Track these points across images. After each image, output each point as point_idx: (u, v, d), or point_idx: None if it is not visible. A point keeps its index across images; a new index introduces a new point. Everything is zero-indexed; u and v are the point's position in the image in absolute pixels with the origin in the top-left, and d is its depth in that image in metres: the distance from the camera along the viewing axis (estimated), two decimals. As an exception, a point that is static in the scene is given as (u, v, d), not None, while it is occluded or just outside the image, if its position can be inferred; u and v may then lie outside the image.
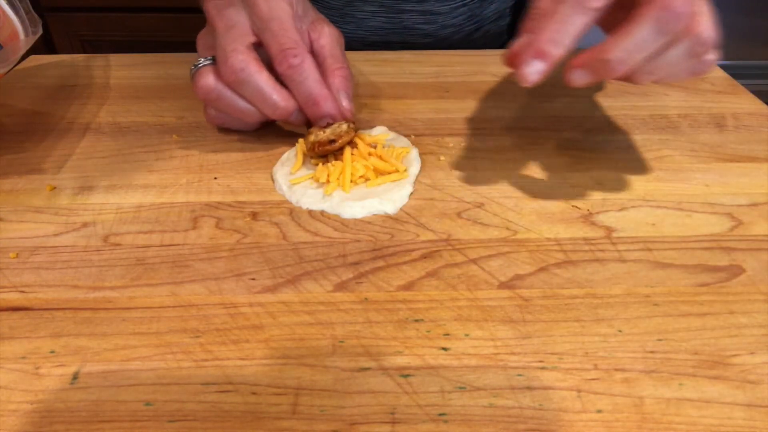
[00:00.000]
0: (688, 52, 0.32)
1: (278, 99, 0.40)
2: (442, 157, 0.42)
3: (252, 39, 0.40)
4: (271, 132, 0.46)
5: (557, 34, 0.31)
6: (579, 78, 0.33)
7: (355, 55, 0.58)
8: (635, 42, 0.31)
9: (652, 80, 0.34)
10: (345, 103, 0.41)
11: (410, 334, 0.29)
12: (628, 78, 0.33)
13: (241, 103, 0.41)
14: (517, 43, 0.33)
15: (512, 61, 0.33)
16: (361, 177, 0.39)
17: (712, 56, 0.33)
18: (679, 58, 0.32)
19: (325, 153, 0.40)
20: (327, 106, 0.40)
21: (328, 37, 0.43)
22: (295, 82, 0.40)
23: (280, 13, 0.40)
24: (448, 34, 0.66)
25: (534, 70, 0.32)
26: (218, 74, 0.40)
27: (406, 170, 0.40)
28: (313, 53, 0.42)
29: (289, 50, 0.39)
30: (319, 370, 0.28)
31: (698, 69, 0.33)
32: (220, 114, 0.43)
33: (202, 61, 0.41)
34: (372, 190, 0.38)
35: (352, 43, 0.66)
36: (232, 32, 0.40)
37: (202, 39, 0.44)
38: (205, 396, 0.26)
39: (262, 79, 0.39)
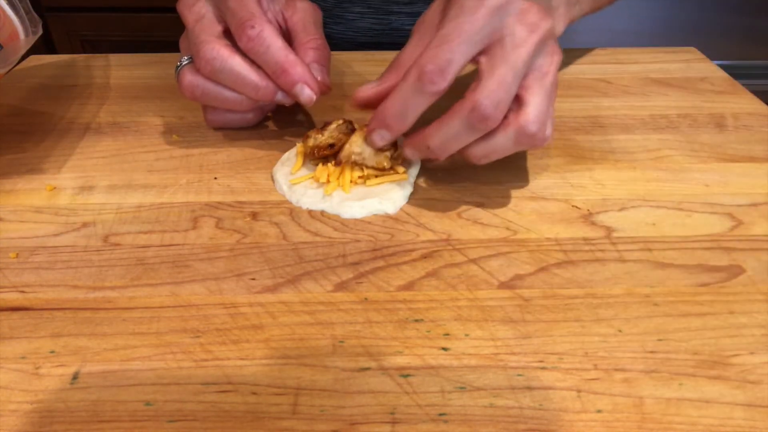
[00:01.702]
0: (513, 141, 0.34)
1: (256, 78, 0.39)
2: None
3: (220, 27, 0.40)
4: (272, 132, 0.46)
5: (400, 111, 0.34)
6: (410, 155, 0.37)
7: (355, 55, 0.58)
8: (450, 134, 0.34)
9: (485, 162, 0.36)
10: (319, 75, 0.40)
11: (410, 334, 0.29)
12: (464, 159, 0.36)
13: (227, 93, 0.40)
14: (367, 89, 0.37)
15: (357, 106, 0.38)
16: (360, 177, 0.39)
17: (546, 133, 0.35)
18: (505, 145, 0.35)
19: (325, 156, 0.40)
20: (296, 72, 0.38)
21: (300, 12, 0.42)
22: (258, 54, 0.38)
23: None
24: None
25: (380, 138, 0.36)
26: (196, 71, 0.40)
27: (405, 171, 0.40)
28: (288, 31, 0.41)
29: (246, 22, 0.38)
30: (319, 370, 0.28)
31: (530, 147, 0.35)
32: (217, 115, 0.43)
33: (184, 61, 0.41)
34: (372, 190, 0.38)
35: (342, 44, 0.66)
36: (201, 24, 0.40)
37: (183, 41, 0.43)
38: (205, 396, 0.26)
39: (236, 63, 0.38)
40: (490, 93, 0.32)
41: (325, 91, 0.41)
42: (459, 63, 0.33)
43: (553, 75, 0.35)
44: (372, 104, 0.37)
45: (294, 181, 0.39)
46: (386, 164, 0.39)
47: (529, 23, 0.33)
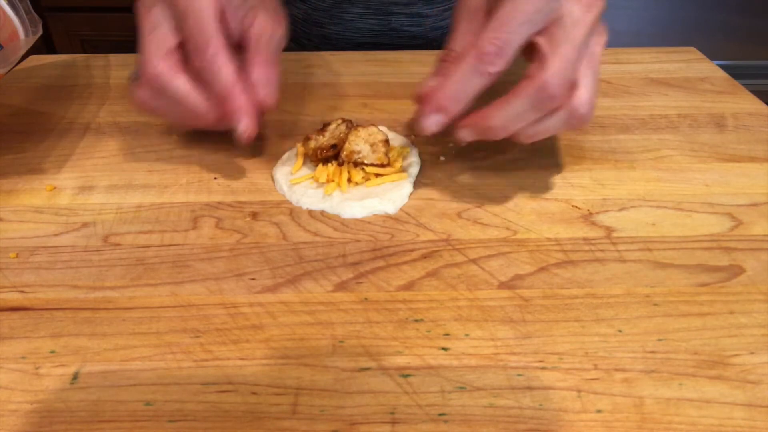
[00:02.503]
0: (564, 122, 0.35)
1: (197, 101, 0.37)
2: (442, 157, 0.42)
3: (173, 41, 0.38)
4: (272, 132, 0.46)
5: (457, 93, 0.34)
6: (466, 136, 0.36)
7: (355, 55, 0.58)
8: (514, 113, 0.34)
9: (532, 140, 0.36)
10: (263, 92, 0.38)
11: (410, 334, 0.29)
12: (511, 138, 0.36)
13: (177, 110, 0.38)
14: (426, 87, 0.36)
15: (420, 102, 0.36)
16: (363, 177, 0.39)
17: (588, 116, 0.35)
18: (556, 125, 0.35)
19: (327, 158, 0.40)
20: (236, 101, 0.36)
21: (257, 26, 0.40)
22: (207, 81, 0.37)
23: (198, 6, 0.36)
24: (437, 36, 0.66)
25: (433, 122, 0.35)
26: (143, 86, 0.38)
27: (402, 167, 0.40)
28: (245, 43, 0.40)
29: (202, 47, 0.36)
30: (319, 370, 0.28)
31: (576, 127, 0.36)
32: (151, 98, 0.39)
33: (136, 73, 0.39)
34: (372, 189, 0.38)
35: (340, 45, 0.66)
36: (153, 35, 0.38)
37: (147, 13, 0.40)
38: (205, 396, 0.26)
39: (179, 84, 0.37)
40: (557, 72, 0.32)
41: (266, 109, 0.38)
42: (518, 43, 0.33)
43: (599, 54, 0.36)
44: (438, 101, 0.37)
45: (294, 181, 0.39)
46: (385, 160, 0.39)
47: (585, 2, 0.33)
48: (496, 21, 0.33)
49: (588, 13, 0.34)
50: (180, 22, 0.37)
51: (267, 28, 0.40)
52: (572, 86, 0.34)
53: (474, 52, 0.33)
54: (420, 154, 0.42)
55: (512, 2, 0.33)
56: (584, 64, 0.34)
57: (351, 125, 0.41)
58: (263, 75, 0.39)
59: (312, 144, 0.40)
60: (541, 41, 0.33)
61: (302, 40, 0.68)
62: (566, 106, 0.34)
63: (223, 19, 0.38)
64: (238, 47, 0.39)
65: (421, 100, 0.37)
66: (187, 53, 0.37)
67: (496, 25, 0.33)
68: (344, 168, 0.39)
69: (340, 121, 0.40)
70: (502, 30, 0.33)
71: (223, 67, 0.37)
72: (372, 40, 0.66)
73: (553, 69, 0.33)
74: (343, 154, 0.39)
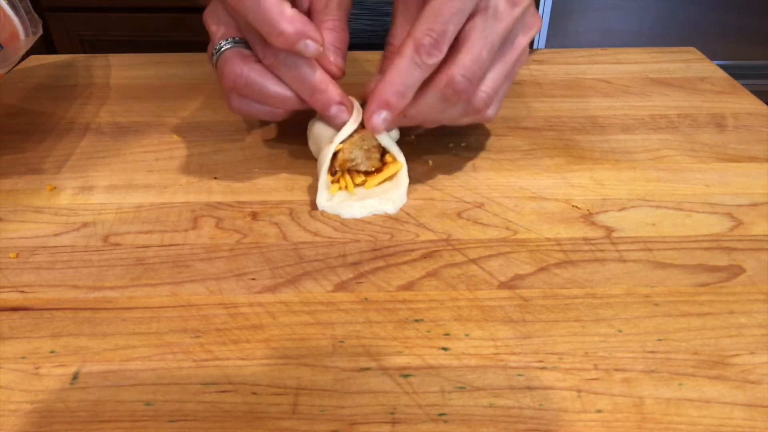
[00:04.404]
0: (462, 112, 0.37)
1: (286, 97, 0.37)
2: (430, 162, 0.42)
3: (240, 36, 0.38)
4: (271, 132, 0.46)
5: (399, 87, 0.34)
6: (380, 125, 0.36)
7: (355, 55, 0.58)
8: (426, 104, 0.35)
9: (435, 126, 0.39)
10: (332, 57, 0.38)
11: (410, 334, 0.29)
12: (418, 124, 0.38)
13: (272, 89, 0.37)
14: (373, 82, 0.37)
15: (366, 100, 0.37)
16: (362, 182, 0.39)
17: (490, 112, 0.38)
18: (453, 114, 0.37)
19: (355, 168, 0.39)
20: (325, 96, 0.37)
21: None
22: (288, 75, 0.37)
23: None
24: None
25: (381, 119, 0.36)
26: (245, 58, 0.37)
27: (395, 160, 0.39)
28: (310, 8, 0.40)
29: (274, 38, 0.34)
30: (319, 370, 0.28)
31: (476, 120, 0.38)
32: (244, 103, 0.39)
33: (224, 44, 0.37)
34: (372, 189, 0.38)
35: None
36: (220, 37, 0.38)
37: (212, 16, 0.39)
38: (205, 396, 0.26)
39: (269, 84, 0.37)
40: (466, 69, 0.33)
41: (338, 75, 0.39)
42: (453, 33, 0.33)
43: (522, 49, 0.36)
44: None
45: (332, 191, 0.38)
46: (379, 164, 0.39)
47: None
48: (430, 11, 0.33)
49: (515, 8, 0.34)
50: (241, 17, 0.36)
51: None
52: (478, 80, 0.35)
53: (411, 45, 0.33)
54: (419, 154, 0.42)
55: None
56: (498, 58, 0.35)
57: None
58: (332, 42, 0.38)
59: (342, 155, 0.38)
60: (464, 28, 0.34)
61: None
62: (464, 101, 0.35)
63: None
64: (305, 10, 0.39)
65: (367, 98, 0.37)
66: (255, 44, 0.37)
67: (430, 15, 0.33)
68: (342, 176, 0.38)
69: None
70: (437, 20, 0.33)
71: (304, 63, 0.36)
72: (367, 41, 0.66)
73: (462, 65, 0.33)
74: (336, 164, 0.38)
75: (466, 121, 0.38)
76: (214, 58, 0.38)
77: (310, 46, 0.34)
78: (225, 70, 0.37)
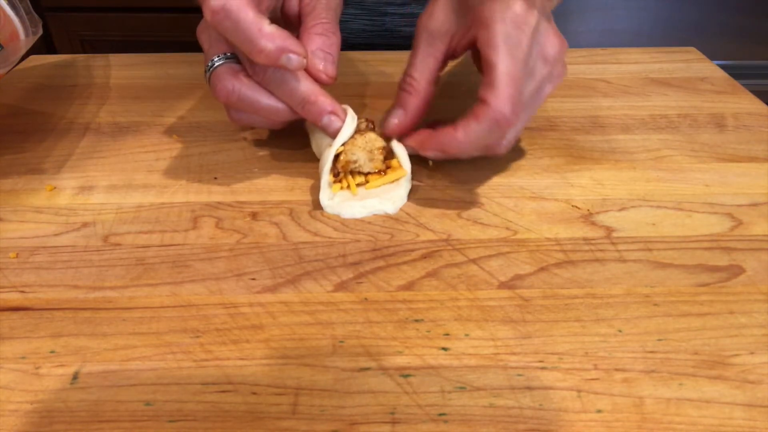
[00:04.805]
0: (483, 151, 0.37)
1: (279, 110, 0.38)
2: (430, 162, 0.42)
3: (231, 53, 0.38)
4: (271, 132, 0.46)
5: (468, 146, 0.36)
6: (431, 156, 0.38)
7: (356, 55, 0.58)
8: (473, 138, 0.35)
9: (461, 157, 0.38)
10: (322, 63, 0.38)
11: (410, 334, 0.29)
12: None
13: (264, 103, 0.37)
14: (393, 124, 0.39)
15: (406, 138, 0.39)
16: (362, 183, 0.39)
17: (506, 143, 0.37)
18: (476, 153, 0.37)
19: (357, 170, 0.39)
20: (316, 108, 0.37)
21: None
22: (279, 90, 0.37)
23: (235, 15, 0.34)
24: None
25: (434, 156, 0.38)
26: (236, 74, 0.37)
27: (399, 165, 0.39)
28: (299, 13, 0.40)
29: (257, 56, 0.34)
30: (319, 370, 0.28)
31: (493, 153, 0.37)
32: (242, 115, 0.40)
33: (215, 61, 0.37)
34: (372, 189, 0.38)
35: None
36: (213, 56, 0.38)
37: (204, 33, 0.39)
38: (205, 396, 0.26)
39: (262, 99, 0.37)
40: (508, 98, 0.34)
41: (328, 82, 0.38)
42: (524, 93, 0.35)
43: (546, 97, 0.38)
44: (404, 135, 0.39)
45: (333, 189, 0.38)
46: (382, 165, 0.39)
47: (546, 55, 0.36)
48: (504, 77, 0.33)
49: (546, 65, 0.36)
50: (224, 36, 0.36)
51: None
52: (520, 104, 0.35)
53: (492, 117, 0.33)
54: (419, 154, 0.42)
55: (510, 57, 0.34)
56: (527, 109, 0.36)
57: (376, 131, 0.40)
58: (320, 47, 0.38)
59: (343, 157, 0.38)
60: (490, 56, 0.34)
61: None
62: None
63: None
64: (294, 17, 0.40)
65: (391, 136, 0.39)
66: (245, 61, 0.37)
67: (505, 81, 0.33)
68: (344, 177, 0.38)
69: (364, 124, 0.39)
70: (512, 87, 0.33)
71: (291, 77, 0.36)
72: (367, 41, 0.66)
73: (504, 96, 0.33)
74: (339, 165, 0.38)
75: (484, 152, 0.38)
76: (207, 74, 0.38)
77: (293, 60, 0.34)
78: (217, 87, 0.37)
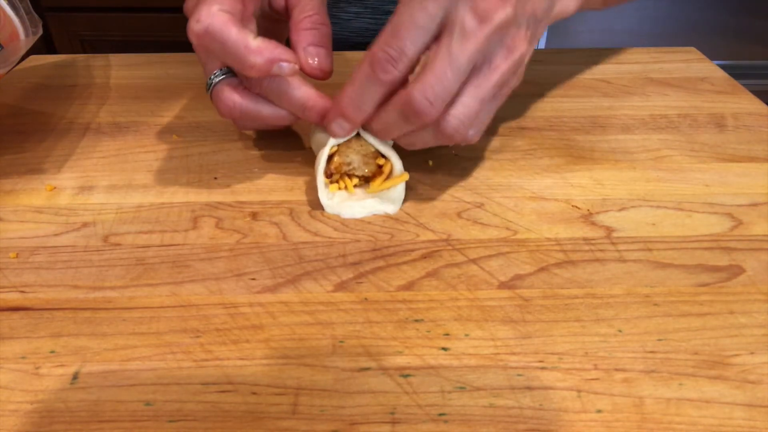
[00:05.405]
0: (433, 137, 0.35)
1: (278, 116, 0.38)
2: (430, 162, 0.42)
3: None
4: (271, 132, 0.46)
5: (356, 100, 0.34)
6: (338, 130, 0.36)
7: (356, 55, 0.58)
8: (388, 121, 0.34)
9: (411, 149, 0.37)
10: (315, 59, 0.38)
11: (410, 334, 0.29)
12: (391, 140, 0.37)
13: (266, 112, 0.38)
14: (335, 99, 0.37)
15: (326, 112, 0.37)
16: (359, 184, 0.39)
17: (471, 136, 0.35)
18: (426, 139, 0.35)
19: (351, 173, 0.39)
20: (313, 113, 0.37)
21: None
22: (276, 99, 0.37)
23: (219, 32, 0.34)
24: None
25: (338, 127, 0.36)
26: (236, 88, 0.37)
27: (402, 171, 0.39)
28: (286, 7, 0.40)
29: (248, 70, 0.35)
30: (319, 370, 0.28)
31: (452, 142, 0.35)
32: (248, 123, 0.40)
33: (214, 77, 0.38)
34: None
35: (336, 45, 0.66)
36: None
37: (200, 48, 0.38)
38: (205, 396, 0.26)
39: (261, 108, 0.38)
40: (426, 89, 0.32)
41: (324, 77, 0.38)
42: (411, 51, 0.32)
43: (501, 73, 0.33)
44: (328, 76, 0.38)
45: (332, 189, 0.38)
46: (377, 172, 0.38)
47: (480, 12, 0.31)
48: (390, 28, 0.33)
49: (483, 24, 0.31)
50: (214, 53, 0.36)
51: None
52: (447, 103, 0.33)
53: (367, 60, 0.33)
54: (419, 154, 0.42)
55: (407, 8, 0.32)
56: (471, 81, 0.33)
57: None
58: (311, 42, 0.38)
59: (337, 159, 0.38)
60: (431, 48, 0.32)
61: None
62: (433, 125, 0.33)
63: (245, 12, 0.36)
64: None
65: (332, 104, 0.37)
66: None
67: (389, 32, 0.33)
68: (341, 179, 0.38)
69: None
70: (395, 37, 0.32)
71: (287, 85, 0.36)
72: (368, 40, 0.66)
73: (423, 85, 0.32)
74: (332, 166, 0.38)
75: (445, 143, 0.36)
76: (208, 91, 0.39)
77: (285, 68, 0.35)
78: (220, 104, 0.38)
